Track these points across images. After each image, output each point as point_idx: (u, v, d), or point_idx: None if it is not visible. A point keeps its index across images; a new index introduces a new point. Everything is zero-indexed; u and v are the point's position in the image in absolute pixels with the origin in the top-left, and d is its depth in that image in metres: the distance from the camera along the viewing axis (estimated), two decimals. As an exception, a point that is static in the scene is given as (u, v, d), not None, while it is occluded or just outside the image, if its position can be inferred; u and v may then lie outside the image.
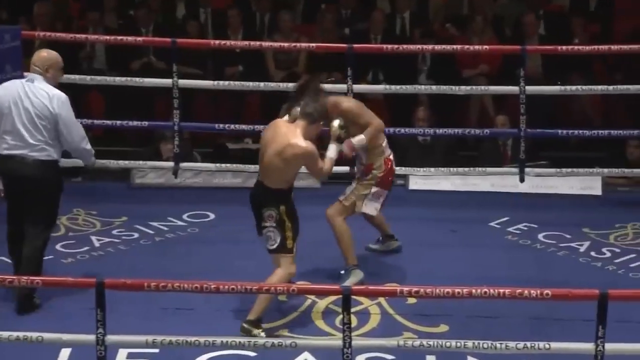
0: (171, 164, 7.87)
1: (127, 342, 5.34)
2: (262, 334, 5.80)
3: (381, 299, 6.22)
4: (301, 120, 5.91)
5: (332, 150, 6.04)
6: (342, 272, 6.45)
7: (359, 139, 6.39)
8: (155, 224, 7.50)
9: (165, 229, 7.45)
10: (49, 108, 6.14)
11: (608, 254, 7.06)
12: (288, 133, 5.87)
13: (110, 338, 5.08)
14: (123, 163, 8.00)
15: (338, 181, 8.01)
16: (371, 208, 6.56)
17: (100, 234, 7.32)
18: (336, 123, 6.08)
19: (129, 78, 8.00)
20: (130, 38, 7.91)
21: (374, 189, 6.51)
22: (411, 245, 7.06)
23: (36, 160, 6.13)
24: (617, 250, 7.13)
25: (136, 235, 7.33)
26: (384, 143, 6.59)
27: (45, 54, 6.32)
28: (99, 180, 8.34)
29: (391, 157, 6.60)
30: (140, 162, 8.07)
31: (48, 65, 6.26)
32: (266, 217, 5.94)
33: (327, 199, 7.74)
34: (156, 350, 5.48)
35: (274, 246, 5.94)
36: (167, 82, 7.67)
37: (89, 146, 6.38)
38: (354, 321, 5.59)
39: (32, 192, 6.16)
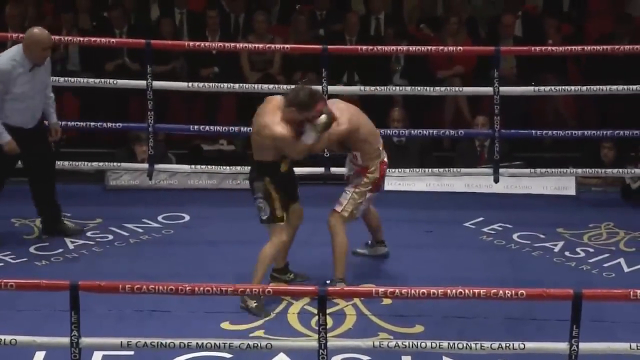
0: (146, 165, 7.85)
1: (101, 345, 5.33)
2: (255, 304, 6.01)
3: (357, 300, 6.22)
4: (283, 102, 6.09)
5: (307, 137, 6.09)
6: (328, 281, 6.29)
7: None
8: (130, 225, 7.47)
9: (140, 230, 7.42)
10: None
11: (582, 254, 7.09)
12: (269, 112, 6.08)
13: (85, 340, 5.06)
14: (97, 165, 7.97)
15: (312, 182, 8.04)
16: (362, 212, 6.50)
17: (74, 236, 7.29)
18: (324, 118, 6.11)
19: (103, 79, 7.97)
20: (104, 39, 7.88)
21: (368, 195, 6.40)
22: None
23: None
24: (591, 250, 7.16)
25: (111, 237, 7.29)
26: (380, 146, 6.45)
27: (28, 33, 6.88)
28: (73, 183, 8.29)
29: (385, 159, 6.46)
30: (115, 164, 8.05)
31: (26, 43, 6.82)
32: (255, 189, 6.16)
33: (302, 200, 7.76)
34: (131, 353, 5.46)
35: (265, 217, 6.15)
36: (141, 83, 7.66)
37: None
38: (330, 322, 5.58)
39: None
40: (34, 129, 7.01)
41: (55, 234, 7.22)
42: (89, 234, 7.31)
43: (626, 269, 6.86)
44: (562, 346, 5.06)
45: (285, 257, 6.41)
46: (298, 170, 7.89)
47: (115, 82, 7.91)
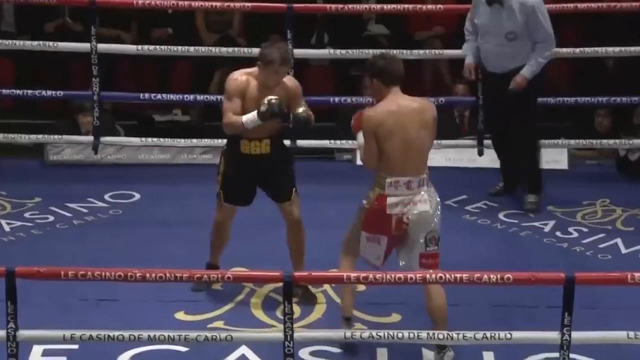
0: (91, 138, 7.82)
1: (42, 338, 5.32)
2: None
3: (327, 286, 6.25)
4: None
5: (246, 116, 5.92)
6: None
7: (360, 137, 5.80)
8: (73, 205, 7.45)
9: (85, 211, 7.41)
10: None
11: (575, 234, 7.15)
12: None
13: (23, 333, 5.06)
14: (36, 138, 7.93)
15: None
16: (371, 255, 5.67)
17: (10, 217, 7.27)
18: (269, 98, 5.89)
19: (41, 42, 7.92)
20: (42, -3, 7.84)
21: (363, 233, 5.66)
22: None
23: None
24: (585, 229, 7.22)
25: (51, 218, 7.28)
26: (391, 180, 5.57)
27: None
28: (8, 157, 8.25)
29: (390, 200, 5.57)
30: (56, 136, 8.00)
31: None
32: None
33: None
34: (75, 346, 5.47)
35: None
36: (84, 46, 7.62)
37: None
38: (297, 311, 5.61)
39: None
40: (503, 77, 7.23)
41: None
42: (27, 214, 7.30)
43: (623, 250, 6.93)
44: (553, 335, 5.10)
45: (218, 254, 6.31)
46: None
47: (55, 44, 7.87)
